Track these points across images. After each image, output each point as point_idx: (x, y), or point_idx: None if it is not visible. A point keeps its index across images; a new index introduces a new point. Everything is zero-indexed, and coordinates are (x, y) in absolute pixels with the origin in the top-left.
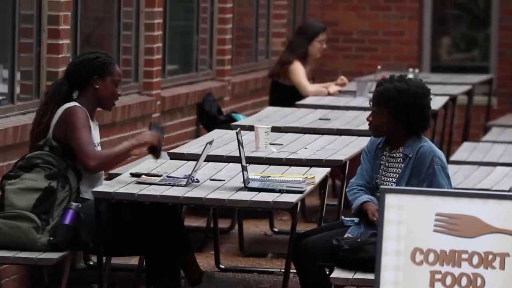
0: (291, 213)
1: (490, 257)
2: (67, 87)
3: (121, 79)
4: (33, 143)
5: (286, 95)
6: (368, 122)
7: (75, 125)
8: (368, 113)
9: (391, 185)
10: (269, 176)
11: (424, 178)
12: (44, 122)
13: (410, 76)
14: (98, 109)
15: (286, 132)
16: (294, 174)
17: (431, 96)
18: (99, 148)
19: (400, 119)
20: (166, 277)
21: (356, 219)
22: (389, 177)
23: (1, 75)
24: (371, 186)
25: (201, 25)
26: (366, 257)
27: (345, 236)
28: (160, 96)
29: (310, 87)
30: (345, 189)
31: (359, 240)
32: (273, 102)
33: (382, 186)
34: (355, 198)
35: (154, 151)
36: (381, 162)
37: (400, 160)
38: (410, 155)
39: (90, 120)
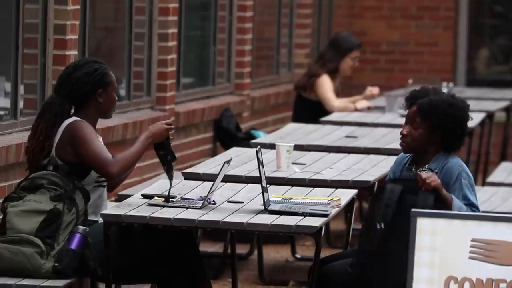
0: (315, 238)
1: None
2: (69, 106)
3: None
4: (35, 169)
5: (311, 110)
6: (401, 136)
7: (84, 139)
8: (398, 130)
9: None
10: (291, 198)
11: (450, 192)
12: (46, 146)
13: (444, 90)
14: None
15: (310, 150)
16: (318, 196)
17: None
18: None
19: (439, 132)
20: None
21: None
22: None
23: (3, 89)
24: None
25: (218, 35)
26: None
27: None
28: (174, 111)
29: (336, 102)
30: None
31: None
32: (297, 118)
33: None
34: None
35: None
36: None
37: None
38: (436, 170)
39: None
